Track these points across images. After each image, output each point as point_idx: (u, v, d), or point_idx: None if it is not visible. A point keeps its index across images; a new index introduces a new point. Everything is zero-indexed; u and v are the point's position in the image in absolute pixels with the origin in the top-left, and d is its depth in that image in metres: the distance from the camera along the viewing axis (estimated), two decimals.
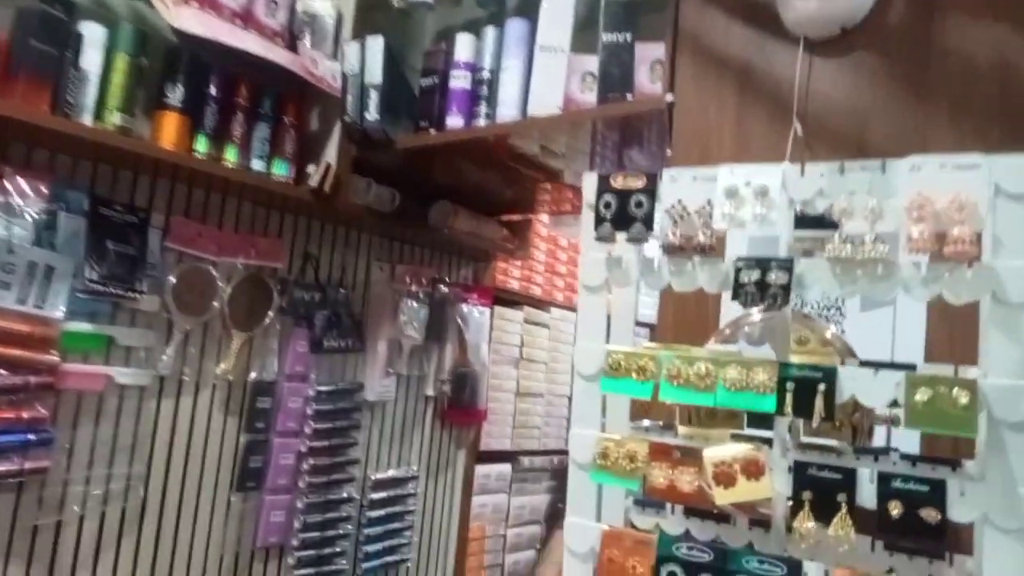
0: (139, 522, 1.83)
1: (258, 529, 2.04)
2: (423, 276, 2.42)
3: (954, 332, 1.17)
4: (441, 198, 2.36)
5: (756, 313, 1.24)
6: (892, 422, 1.07)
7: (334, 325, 2.17)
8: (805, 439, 1.01)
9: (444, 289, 2.48)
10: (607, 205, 0.95)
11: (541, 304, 2.99)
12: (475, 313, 2.58)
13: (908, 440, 1.09)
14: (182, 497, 1.92)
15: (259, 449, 2.02)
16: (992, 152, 0.81)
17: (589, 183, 0.98)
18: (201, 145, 1.70)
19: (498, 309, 2.77)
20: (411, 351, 2.38)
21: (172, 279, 1.84)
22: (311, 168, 1.89)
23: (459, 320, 2.51)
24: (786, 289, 0.84)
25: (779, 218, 0.90)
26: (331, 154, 1.91)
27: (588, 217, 0.98)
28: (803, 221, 0.94)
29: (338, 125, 1.90)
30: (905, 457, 0.92)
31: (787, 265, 0.86)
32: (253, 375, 2.03)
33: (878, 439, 1.12)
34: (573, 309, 3.14)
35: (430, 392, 2.52)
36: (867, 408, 1.08)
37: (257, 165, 1.82)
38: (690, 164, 1.00)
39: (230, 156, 1.76)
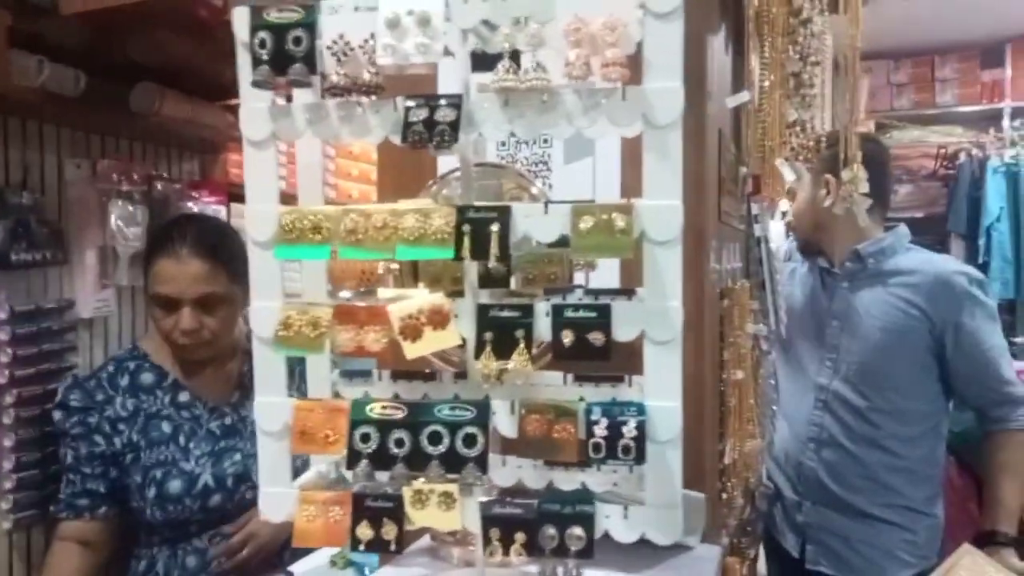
0: None
1: None
2: (135, 172, 2.13)
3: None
4: (145, 79, 2.06)
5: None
6: (591, 267, 1.10)
7: (22, 236, 1.85)
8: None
9: (161, 187, 2.21)
10: (262, 44, 0.84)
11: (288, 199, 2.79)
12: (207, 212, 2.35)
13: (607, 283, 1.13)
14: None
15: None
16: None
17: (240, 18, 0.85)
18: None
19: (237, 206, 2.54)
20: (131, 259, 2.11)
21: None
22: None
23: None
24: (454, 126, 0.80)
25: (455, 50, 0.84)
26: None
27: (244, 59, 0.86)
28: (484, 63, 0.89)
29: None
30: (589, 291, 0.94)
31: (456, 102, 0.81)
32: None
33: None
34: (328, 201, 2.98)
35: None
36: (566, 261, 1.10)
37: None
38: None
39: None
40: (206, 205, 2.34)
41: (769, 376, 1.75)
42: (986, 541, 1.66)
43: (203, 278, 1.53)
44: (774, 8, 1.16)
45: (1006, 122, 4.98)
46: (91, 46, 1.89)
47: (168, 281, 1.53)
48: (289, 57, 0.83)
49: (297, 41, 0.83)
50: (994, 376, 1.73)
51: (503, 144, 1.28)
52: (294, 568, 1.46)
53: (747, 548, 1.47)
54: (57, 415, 1.63)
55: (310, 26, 0.83)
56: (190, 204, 2.28)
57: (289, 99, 0.90)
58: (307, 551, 1.53)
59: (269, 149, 0.88)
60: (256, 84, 0.84)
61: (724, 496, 1.28)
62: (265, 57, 0.83)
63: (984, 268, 4.70)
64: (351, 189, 3.04)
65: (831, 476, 1.84)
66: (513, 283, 1.02)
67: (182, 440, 1.56)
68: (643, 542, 0.91)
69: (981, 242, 4.71)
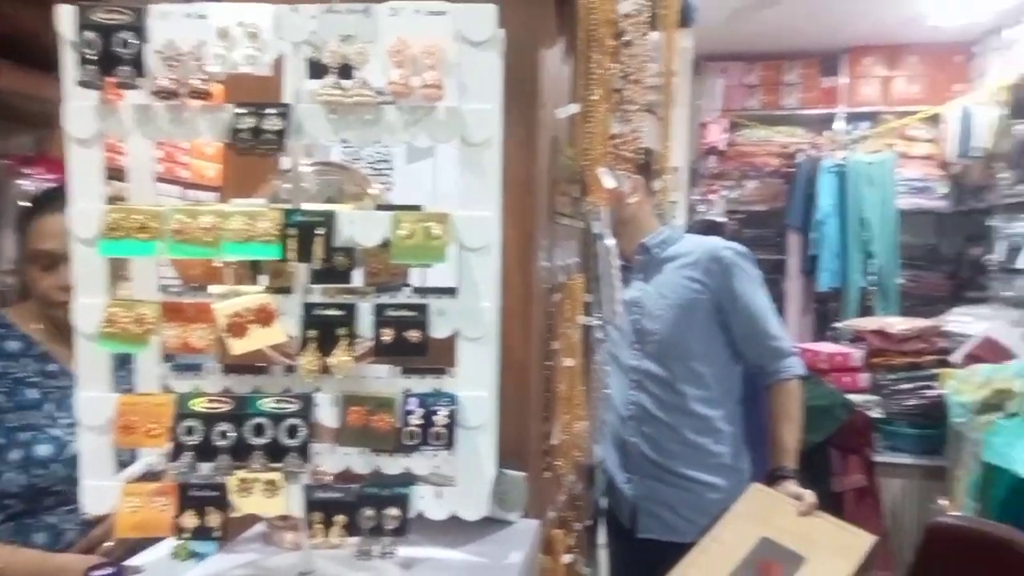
0: None
1: None
2: None
3: None
4: None
5: (308, 166, 1.24)
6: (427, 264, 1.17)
7: None
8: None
9: None
10: (89, 44, 0.84)
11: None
12: (44, 190, 2.22)
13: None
14: None
15: None
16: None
17: (65, 16, 0.85)
18: None
19: None
20: None
21: None
22: None
23: (19, 200, 2.14)
24: (280, 135, 0.84)
25: (287, 60, 0.88)
26: None
27: (69, 58, 0.86)
28: (322, 71, 0.93)
29: None
30: (417, 290, 1.00)
31: (284, 111, 0.85)
32: None
33: None
34: (183, 184, 2.87)
35: None
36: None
37: None
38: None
39: None
40: (43, 183, 2.22)
41: (604, 363, 1.90)
42: (773, 477, 1.93)
43: None
44: (600, 29, 1.27)
45: (839, 126, 5.47)
46: None
47: (51, 237, 1.52)
48: (117, 59, 0.84)
49: (125, 44, 0.84)
50: (763, 332, 2.01)
51: (345, 142, 1.32)
52: (137, 560, 1.45)
53: (574, 521, 1.61)
54: None
55: (138, 30, 0.84)
56: (22, 183, 2.16)
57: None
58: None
59: (95, 147, 0.88)
60: (82, 83, 0.84)
61: (549, 474, 1.40)
62: (92, 57, 0.84)
63: (815, 259, 5.19)
64: (206, 168, 2.95)
65: (652, 447, 2.04)
66: (359, 275, 1.08)
67: (49, 407, 1.54)
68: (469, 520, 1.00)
69: (813, 236, 5.16)
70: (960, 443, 3.04)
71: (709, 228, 5.12)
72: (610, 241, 1.79)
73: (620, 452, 2.10)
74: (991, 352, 3.35)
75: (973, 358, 3.32)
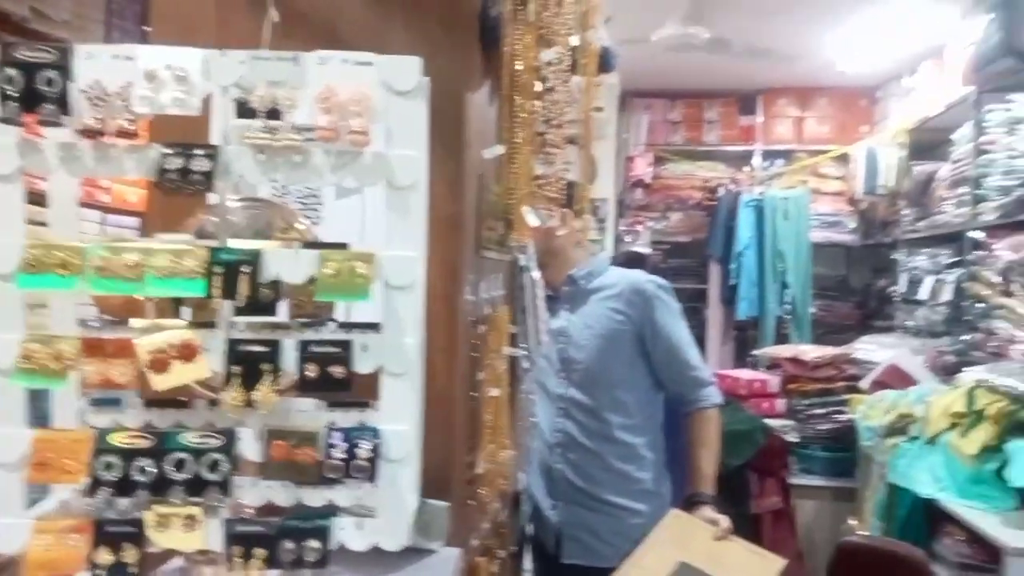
0: None
1: None
2: None
3: None
4: None
5: (235, 201, 1.25)
6: None
7: None
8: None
9: None
10: (10, 81, 0.84)
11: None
12: None
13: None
14: None
15: None
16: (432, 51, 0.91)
17: None
18: None
19: None
20: None
21: None
22: None
23: None
24: (208, 176, 0.86)
25: (216, 102, 0.90)
26: None
27: None
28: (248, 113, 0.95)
29: None
30: (343, 325, 1.03)
31: (211, 152, 0.87)
32: None
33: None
34: (104, 208, 2.80)
35: None
36: None
37: None
38: (172, 42, 0.93)
39: None
40: None
41: (530, 392, 1.95)
42: (690, 503, 1.99)
43: None
44: (524, 75, 1.34)
45: (755, 162, 5.75)
46: None
47: None
48: (40, 96, 0.84)
49: (49, 82, 0.84)
50: (683, 362, 2.09)
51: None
52: None
53: (497, 548, 1.63)
54: None
55: (63, 69, 0.85)
56: None
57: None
58: None
59: (15, 183, 0.88)
60: (3, 120, 0.85)
61: (472, 503, 1.42)
62: (14, 94, 0.84)
63: (735, 289, 5.40)
64: (127, 193, 2.88)
65: (577, 474, 2.09)
66: (285, 308, 1.09)
67: None
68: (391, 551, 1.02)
69: (732, 266, 5.38)
70: (868, 465, 3.20)
71: (633, 259, 5.26)
72: (536, 273, 1.84)
73: (546, 478, 2.14)
74: (896, 379, 3.55)
75: (879, 384, 3.51)
